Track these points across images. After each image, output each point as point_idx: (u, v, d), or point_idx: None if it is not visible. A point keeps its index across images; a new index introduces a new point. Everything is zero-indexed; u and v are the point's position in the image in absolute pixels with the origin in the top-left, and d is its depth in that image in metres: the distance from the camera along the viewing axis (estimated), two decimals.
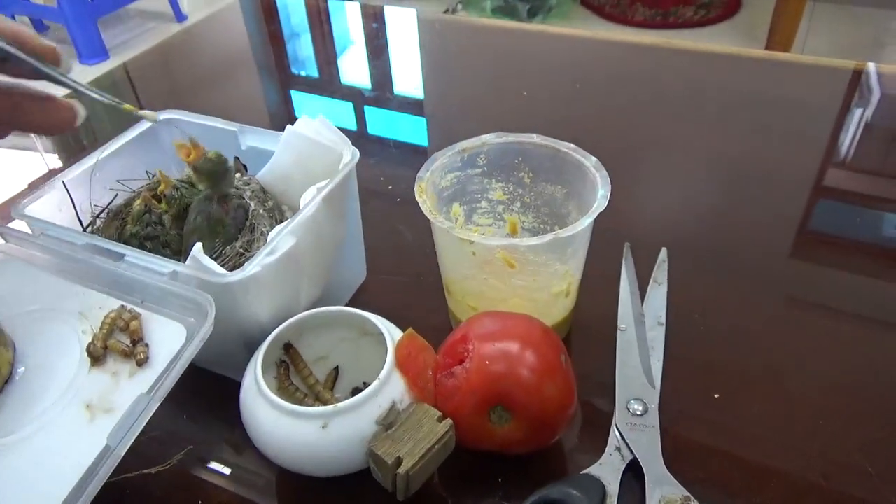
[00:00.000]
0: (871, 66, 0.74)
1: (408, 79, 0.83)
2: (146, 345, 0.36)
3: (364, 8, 0.99)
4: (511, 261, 0.40)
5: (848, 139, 0.67)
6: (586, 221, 0.39)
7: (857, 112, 0.70)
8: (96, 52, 2.56)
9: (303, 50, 0.92)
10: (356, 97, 0.80)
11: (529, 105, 0.74)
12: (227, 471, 0.41)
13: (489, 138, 0.46)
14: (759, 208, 0.59)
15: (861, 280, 0.52)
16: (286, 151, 0.46)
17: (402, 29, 0.95)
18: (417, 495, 0.37)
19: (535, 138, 0.46)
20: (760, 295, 0.51)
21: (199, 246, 0.38)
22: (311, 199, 0.43)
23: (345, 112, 0.78)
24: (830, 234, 0.57)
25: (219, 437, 0.44)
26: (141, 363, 0.35)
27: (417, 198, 0.42)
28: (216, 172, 0.42)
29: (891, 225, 0.57)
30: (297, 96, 0.82)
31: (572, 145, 0.44)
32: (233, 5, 1.01)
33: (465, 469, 0.40)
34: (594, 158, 0.43)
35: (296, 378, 0.42)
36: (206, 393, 0.45)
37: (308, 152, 0.46)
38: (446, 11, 2.73)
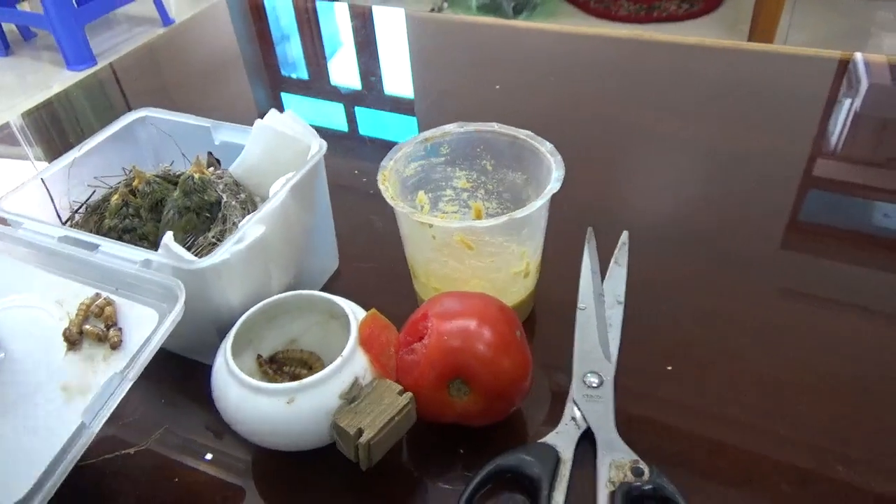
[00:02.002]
0: (858, 56, 0.76)
1: (398, 78, 0.84)
2: (119, 329, 0.38)
3: (352, 8, 1.00)
4: (469, 243, 0.42)
5: (824, 126, 0.69)
6: (539, 203, 0.41)
7: (840, 100, 0.71)
8: (84, 58, 2.57)
9: (292, 51, 0.94)
10: (346, 98, 0.82)
11: (519, 99, 0.76)
12: (202, 450, 0.43)
13: (451, 128, 0.48)
14: (733, 194, 0.61)
15: (818, 259, 0.54)
16: (256, 144, 0.48)
17: (391, 28, 0.96)
18: (384, 466, 0.40)
19: (495, 127, 0.48)
20: (719, 275, 0.53)
21: (169, 234, 0.40)
22: (279, 189, 0.45)
23: (336, 113, 0.79)
24: (796, 217, 0.59)
25: (195, 419, 0.45)
26: (115, 346, 0.37)
27: (380, 185, 0.44)
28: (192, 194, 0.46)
29: (845, 205, 0.59)
30: (287, 98, 0.83)
31: (529, 132, 0.46)
32: (219, 4, 1.02)
33: (428, 441, 0.42)
34: (549, 144, 0.45)
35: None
36: (182, 378, 0.47)
37: (277, 145, 0.48)
38: (432, 10, 2.75)
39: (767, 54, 0.80)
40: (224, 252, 0.40)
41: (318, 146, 0.48)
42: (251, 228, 0.42)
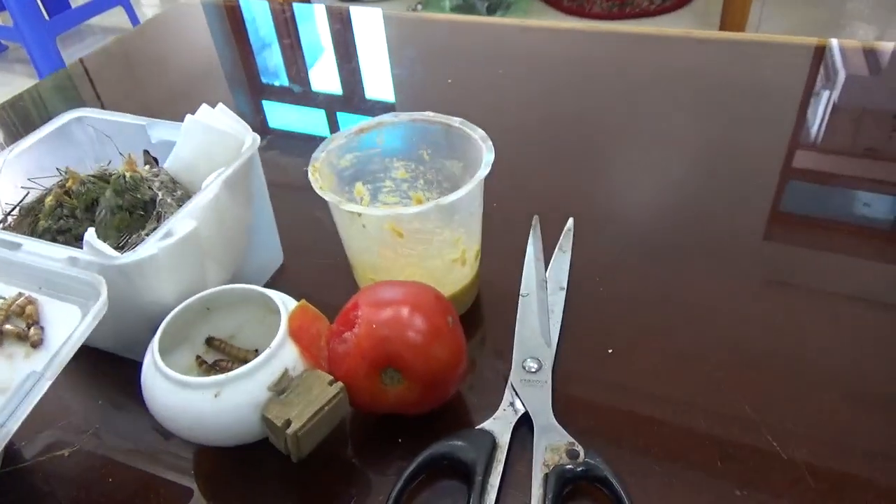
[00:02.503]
0: (834, 42, 0.76)
1: (379, 81, 0.83)
2: (41, 327, 0.37)
3: (329, 9, 1.00)
4: (399, 231, 0.42)
5: (802, 114, 0.69)
6: (468, 188, 0.41)
7: (818, 89, 0.71)
8: (56, 69, 2.55)
9: (272, 58, 0.93)
10: (328, 104, 0.81)
11: (490, 94, 0.76)
12: (136, 448, 0.43)
13: (386, 118, 0.48)
14: (703, 182, 0.61)
15: (759, 240, 0.54)
16: (188, 140, 0.48)
17: (370, 30, 0.95)
18: (321, 459, 0.39)
19: (429, 115, 0.48)
20: (660, 261, 0.53)
21: (91, 231, 0.39)
22: (209, 183, 0.44)
23: (318, 119, 0.79)
24: (737, 199, 0.59)
25: (132, 418, 0.45)
26: (35, 344, 0.37)
27: (310, 176, 0.43)
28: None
29: (823, 195, 0.60)
30: (268, 106, 0.82)
31: (462, 119, 0.46)
32: (192, 4, 1.01)
33: (366, 432, 0.42)
34: (481, 131, 0.45)
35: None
36: (119, 378, 0.46)
37: (209, 140, 0.47)
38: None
39: (740, 43, 0.80)
40: (150, 247, 0.40)
41: (252, 140, 0.47)
42: (180, 223, 0.42)
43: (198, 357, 0.43)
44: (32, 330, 0.37)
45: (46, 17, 2.54)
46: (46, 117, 0.65)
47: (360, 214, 0.41)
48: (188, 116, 0.47)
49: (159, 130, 0.51)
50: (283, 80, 0.86)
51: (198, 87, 0.84)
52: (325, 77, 0.85)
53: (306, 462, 0.38)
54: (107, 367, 0.47)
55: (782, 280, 0.50)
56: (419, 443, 0.40)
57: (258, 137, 0.48)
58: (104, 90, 0.85)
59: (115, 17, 2.86)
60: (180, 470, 0.42)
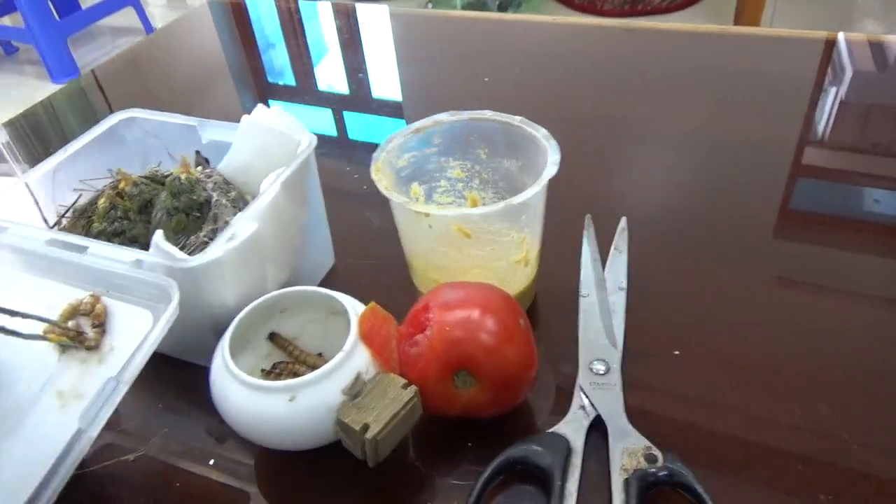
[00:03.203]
0: (841, 36, 0.76)
1: (385, 80, 0.83)
2: (103, 329, 0.37)
3: (336, 6, 0.99)
4: (467, 231, 0.41)
5: (812, 108, 0.68)
6: (536, 188, 0.40)
7: (830, 83, 0.71)
8: (67, 70, 2.55)
9: (278, 58, 0.92)
10: (334, 102, 0.80)
11: (507, 91, 0.75)
12: (204, 454, 0.42)
13: (442, 117, 0.48)
14: (725, 178, 0.60)
15: (818, 247, 0.53)
16: (244, 141, 0.47)
17: (376, 27, 0.95)
18: (391, 462, 0.38)
19: (488, 114, 0.47)
20: (720, 260, 0.52)
21: (160, 233, 0.39)
22: (270, 185, 0.44)
23: (324, 118, 0.78)
24: (794, 202, 0.58)
25: (193, 422, 0.44)
26: (92, 347, 0.36)
27: (373, 176, 0.43)
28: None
29: (835, 192, 0.59)
30: (274, 105, 0.81)
31: (522, 118, 0.46)
32: (201, 11, 1.01)
33: (436, 436, 0.41)
34: (543, 129, 0.45)
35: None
36: (178, 381, 0.46)
37: (265, 141, 0.47)
38: None
39: (755, 37, 0.79)
40: (217, 249, 0.39)
41: (308, 141, 0.47)
42: (243, 225, 0.41)
43: (262, 370, 0.43)
44: (93, 331, 0.36)
45: (57, 18, 2.54)
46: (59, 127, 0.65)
47: (427, 215, 0.41)
48: (245, 117, 0.47)
49: (211, 131, 0.51)
50: (288, 80, 0.86)
51: (207, 90, 0.83)
52: (333, 75, 0.85)
53: (375, 467, 0.38)
54: (165, 371, 0.46)
55: (860, 286, 0.50)
56: (490, 447, 0.40)
57: (315, 138, 0.47)
58: (116, 98, 0.84)
59: (125, 18, 2.86)
60: (244, 474, 0.41)
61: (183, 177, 0.47)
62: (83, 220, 0.48)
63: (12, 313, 0.36)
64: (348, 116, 0.78)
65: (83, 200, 0.49)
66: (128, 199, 0.48)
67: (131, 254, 0.39)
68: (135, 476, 0.41)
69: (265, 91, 0.84)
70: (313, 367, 0.42)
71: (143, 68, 0.91)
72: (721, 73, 0.74)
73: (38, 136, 0.79)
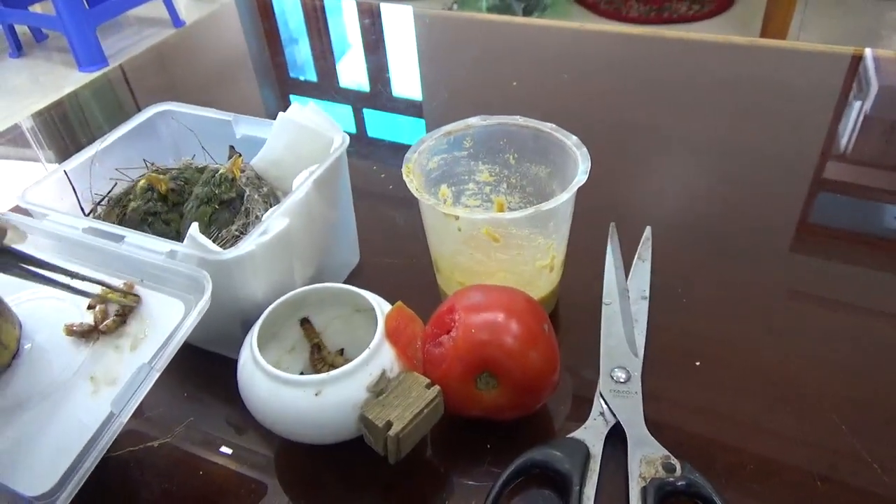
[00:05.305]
0: (868, 52, 0.75)
1: (406, 79, 0.83)
2: (123, 321, 0.38)
3: (360, 5, 1.00)
4: (495, 235, 0.42)
5: (836, 123, 0.68)
6: (566, 195, 0.41)
7: (854, 97, 0.71)
8: (95, 59, 2.58)
9: (301, 53, 0.94)
10: (355, 99, 0.81)
11: (530, 96, 0.76)
12: (226, 444, 0.43)
13: (474, 121, 0.48)
14: (748, 190, 0.60)
15: (839, 263, 0.53)
16: (278, 138, 0.48)
17: (400, 27, 0.96)
18: (410, 461, 0.39)
19: (519, 120, 0.47)
20: (742, 271, 0.52)
21: (195, 225, 0.40)
22: (302, 182, 0.44)
23: (344, 115, 0.79)
24: (815, 216, 0.58)
25: (219, 413, 0.45)
26: (111, 329, 0.37)
27: (405, 177, 0.43)
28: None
29: (857, 206, 0.59)
30: (295, 100, 0.83)
31: (553, 125, 0.46)
32: (228, 6, 1.02)
33: (456, 436, 0.42)
34: (574, 137, 0.45)
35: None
36: (204, 372, 0.47)
37: (299, 138, 0.48)
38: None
39: (782, 50, 0.79)
40: (249, 243, 0.40)
41: (342, 139, 0.47)
42: (275, 221, 0.42)
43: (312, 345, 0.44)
44: (112, 318, 0.38)
45: (87, 7, 2.57)
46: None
47: (457, 217, 0.41)
48: (280, 114, 0.48)
49: (245, 126, 0.52)
50: (310, 75, 0.87)
51: (230, 85, 0.84)
52: (355, 73, 0.86)
53: (394, 464, 0.38)
54: (190, 361, 0.47)
55: (881, 303, 0.49)
56: (509, 449, 0.40)
57: (347, 137, 0.48)
58: (142, 92, 0.86)
59: (153, 9, 2.89)
60: (265, 466, 0.42)
61: (221, 170, 0.47)
62: (118, 209, 0.49)
63: (73, 275, 0.37)
64: (368, 114, 0.78)
65: (118, 190, 0.50)
66: (165, 184, 0.48)
67: (166, 245, 0.40)
68: (159, 462, 0.42)
69: (287, 86, 0.85)
70: (332, 367, 0.43)
71: (169, 63, 0.92)
72: (746, 84, 0.74)
73: (66, 128, 0.80)
